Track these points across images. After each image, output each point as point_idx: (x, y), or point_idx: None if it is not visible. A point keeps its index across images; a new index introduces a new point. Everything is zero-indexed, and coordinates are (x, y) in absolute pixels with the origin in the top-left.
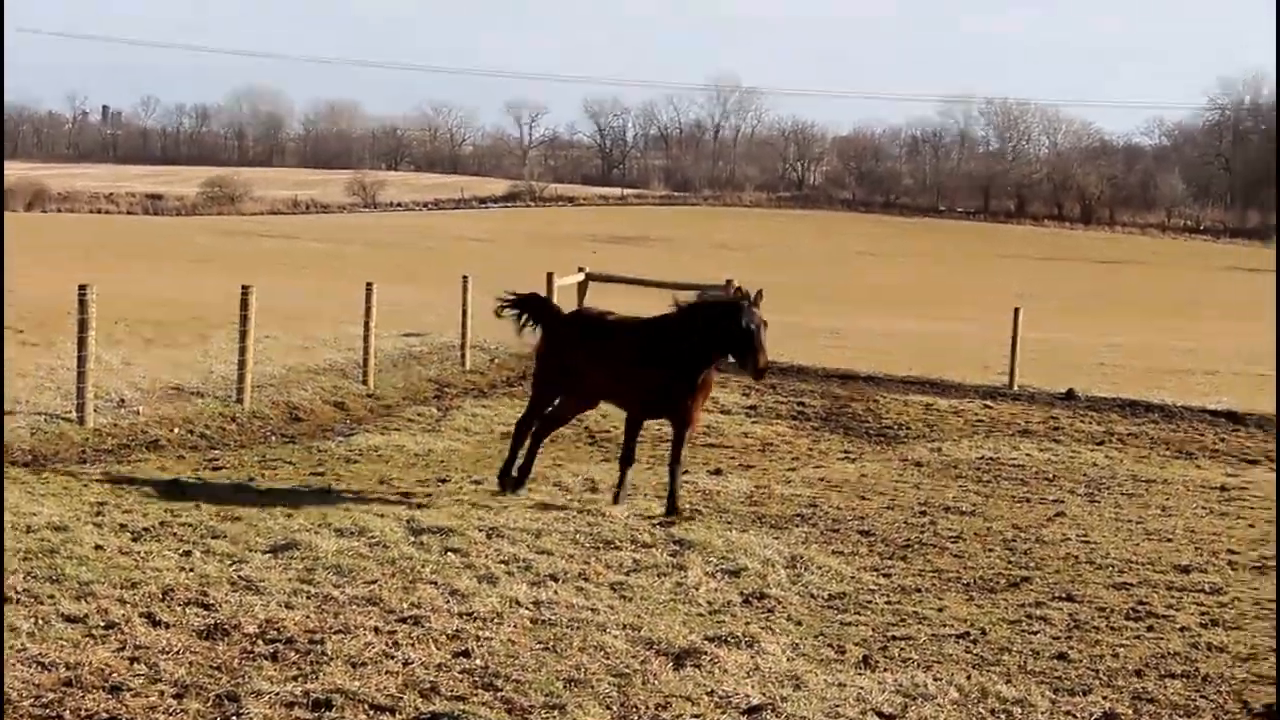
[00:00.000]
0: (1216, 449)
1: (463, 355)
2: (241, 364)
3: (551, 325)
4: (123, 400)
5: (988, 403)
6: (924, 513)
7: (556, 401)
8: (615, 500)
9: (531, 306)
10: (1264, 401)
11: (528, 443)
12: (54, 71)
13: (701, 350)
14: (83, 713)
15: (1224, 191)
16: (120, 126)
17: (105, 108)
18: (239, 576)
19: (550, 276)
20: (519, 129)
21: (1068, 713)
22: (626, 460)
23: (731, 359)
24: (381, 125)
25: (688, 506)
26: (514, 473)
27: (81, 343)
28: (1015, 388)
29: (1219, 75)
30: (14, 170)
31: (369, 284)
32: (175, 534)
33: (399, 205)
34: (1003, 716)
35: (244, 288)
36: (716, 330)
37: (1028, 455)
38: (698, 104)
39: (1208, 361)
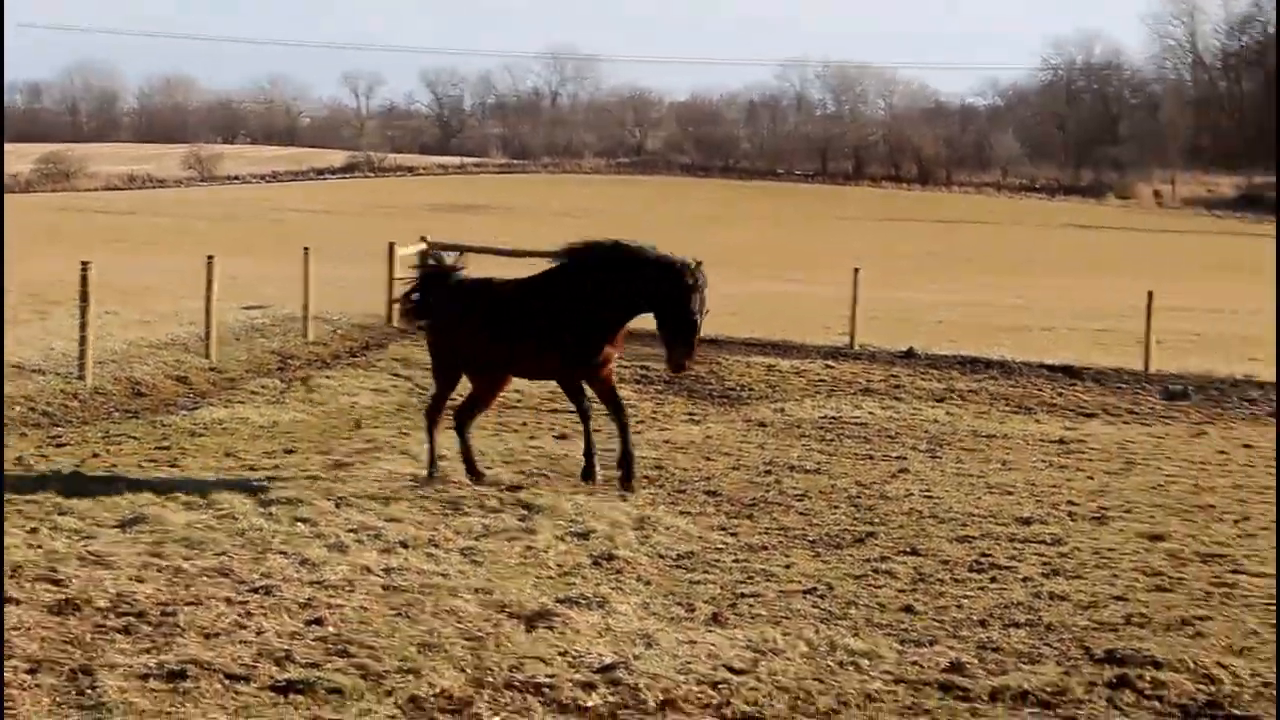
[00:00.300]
0: (1054, 404)
1: (305, 327)
2: (83, 340)
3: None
4: None
5: (829, 363)
6: (769, 472)
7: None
8: (587, 474)
9: (432, 282)
10: (1099, 356)
11: (458, 434)
12: None
13: (618, 304)
14: None
15: (1058, 150)
16: None
17: None
18: (88, 552)
19: (392, 246)
20: (356, 100)
21: (914, 663)
22: (584, 416)
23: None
24: (217, 98)
25: (541, 473)
26: (431, 467)
27: None
28: (856, 347)
29: (1052, 35)
30: None
31: (209, 257)
32: (21, 511)
33: (236, 178)
34: (851, 668)
35: (83, 264)
36: (645, 288)
37: (870, 413)
38: (535, 72)
39: (1044, 318)
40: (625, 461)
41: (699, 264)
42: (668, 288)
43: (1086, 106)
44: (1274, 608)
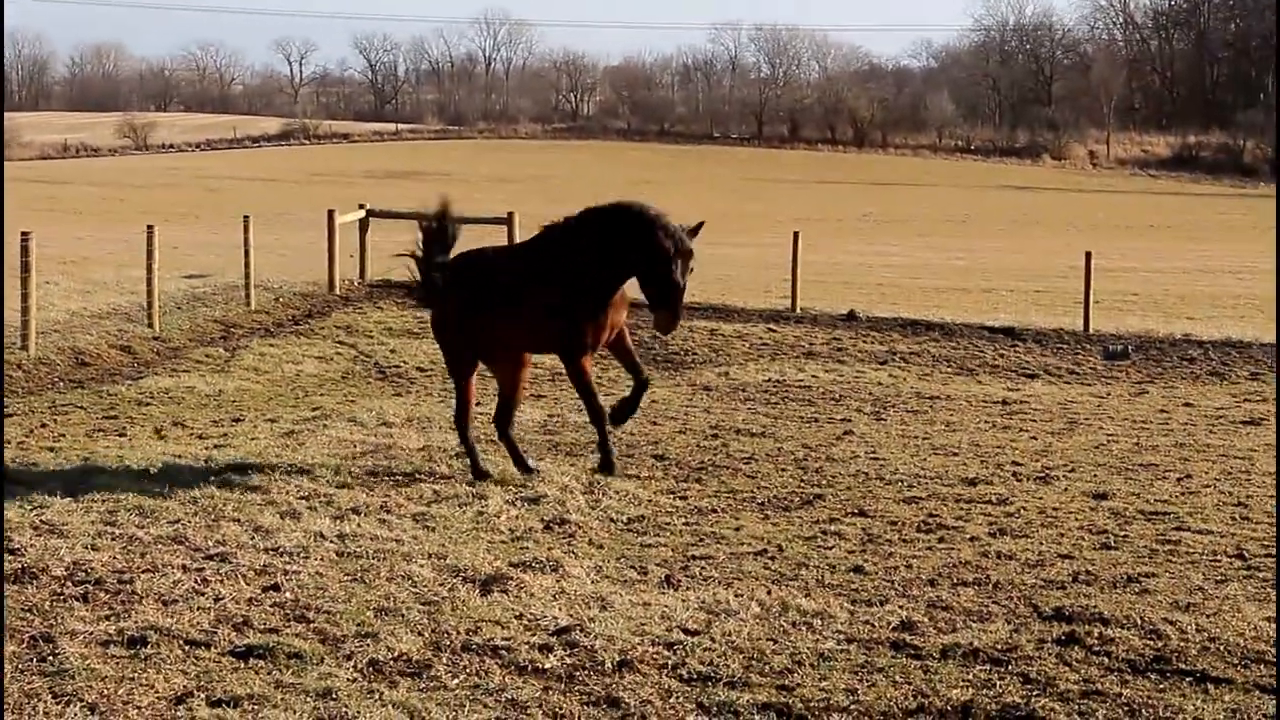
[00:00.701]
0: (996, 364)
1: (247, 295)
2: (25, 310)
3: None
4: None
5: (771, 326)
6: (716, 435)
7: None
8: (604, 465)
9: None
10: (1039, 316)
11: (503, 441)
12: None
13: (598, 270)
14: None
15: (992, 111)
16: None
17: None
18: (41, 521)
19: (331, 214)
20: (289, 67)
21: (866, 622)
22: (597, 418)
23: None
24: (149, 66)
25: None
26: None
27: None
28: (798, 310)
29: None
30: None
31: (150, 227)
32: None
33: (171, 147)
34: (804, 629)
35: (24, 234)
36: (620, 248)
37: (813, 376)
38: (468, 37)
39: (983, 279)
40: (624, 409)
41: (698, 226)
42: (646, 249)
43: (1020, 67)
44: (1219, 564)
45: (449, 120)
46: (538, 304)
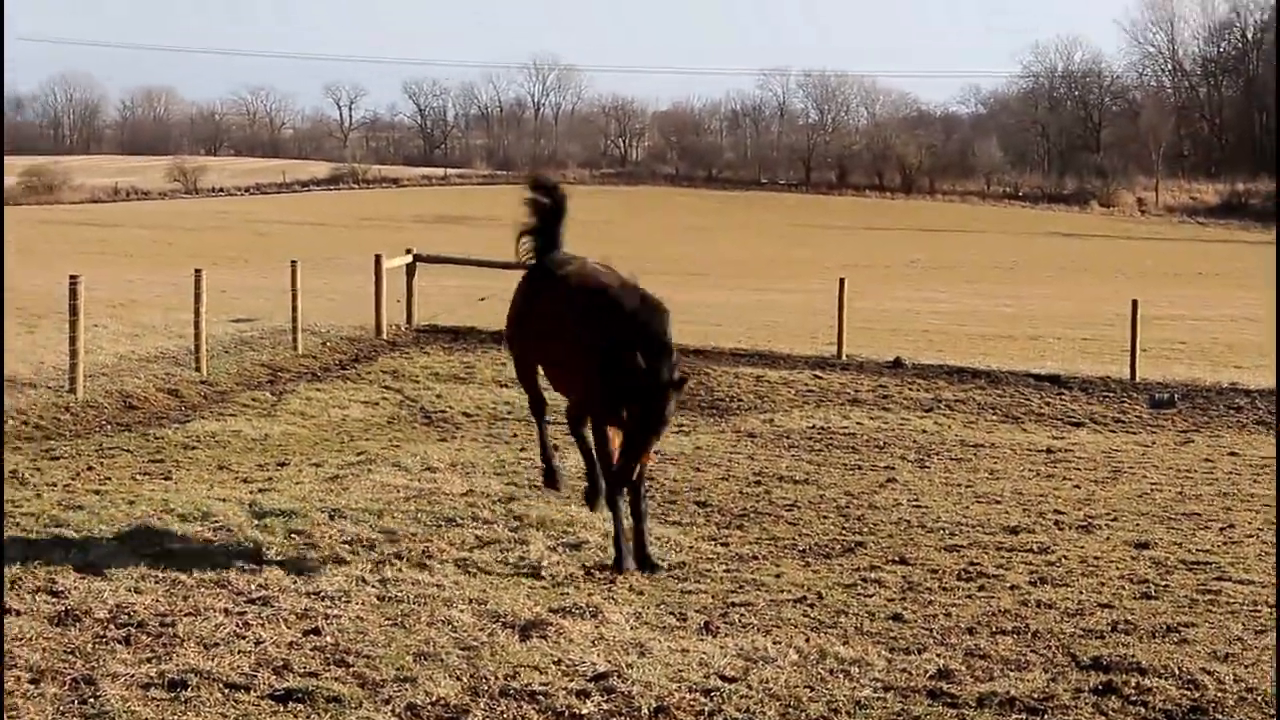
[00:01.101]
0: (1042, 413)
1: (294, 339)
2: (73, 354)
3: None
4: None
5: (817, 373)
6: (758, 482)
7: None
8: (618, 564)
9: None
10: (1086, 364)
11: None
12: None
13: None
14: None
15: (1040, 158)
16: None
17: None
18: (85, 563)
19: (379, 259)
20: (339, 111)
21: (903, 670)
22: (609, 490)
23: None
24: (199, 110)
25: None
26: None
27: None
28: (843, 357)
29: (1032, 42)
30: None
31: (197, 270)
32: (18, 524)
33: (220, 191)
34: (841, 676)
35: (72, 277)
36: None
37: (858, 424)
38: (517, 82)
39: (1030, 326)
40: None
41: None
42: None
43: (1068, 113)
44: (1259, 614)
45: (497, 165)
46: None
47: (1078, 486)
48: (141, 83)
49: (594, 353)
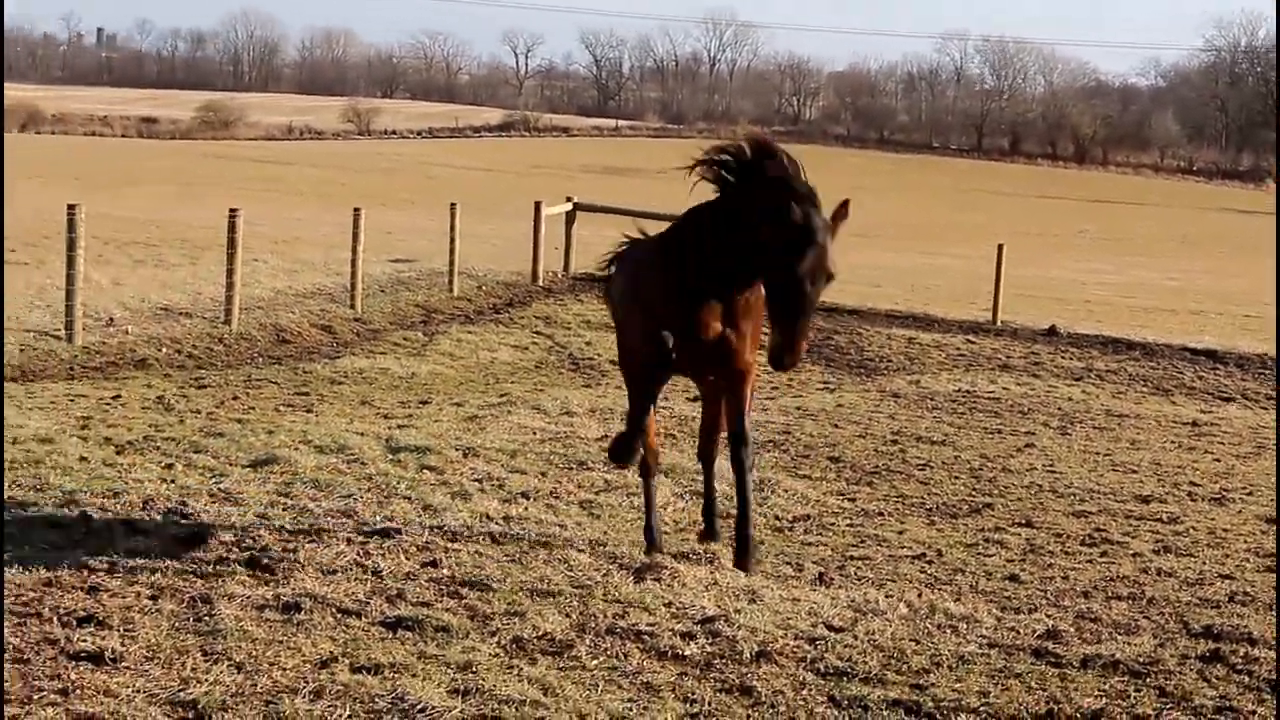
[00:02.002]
0: (1193, 386)
1: (450, 282)
2: (229, 286)
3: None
4: (111, 319)
5: (970, 337)
6: (895, 441)
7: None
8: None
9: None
10: (1245, 341)
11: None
12: None
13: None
14: (61, 610)
15: (1218, 133)
16: (115, 49)
17: (100, 30)
18: (218, 489)
19: (538, 206)
20: (515, 59)
21: (1011, 628)
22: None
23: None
24: (377, 53)
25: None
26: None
27: (70, 262)
28: (999, 323)
29: (1215, 16)
30: (8, 92)
31: (356, 209)
32: (158, 448)
33: (393, 133)
34: (948, 631)
35: (231, 211)
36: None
37: (1004, 389)
38: (694, 37)
39: (1194, 301)
40: (740, 543)
41: (843, 208)
42: (768, 234)
43: (1249, 89)
44: None
45: (670, 118)
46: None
47: (1218, 460)
48: (322, 23)
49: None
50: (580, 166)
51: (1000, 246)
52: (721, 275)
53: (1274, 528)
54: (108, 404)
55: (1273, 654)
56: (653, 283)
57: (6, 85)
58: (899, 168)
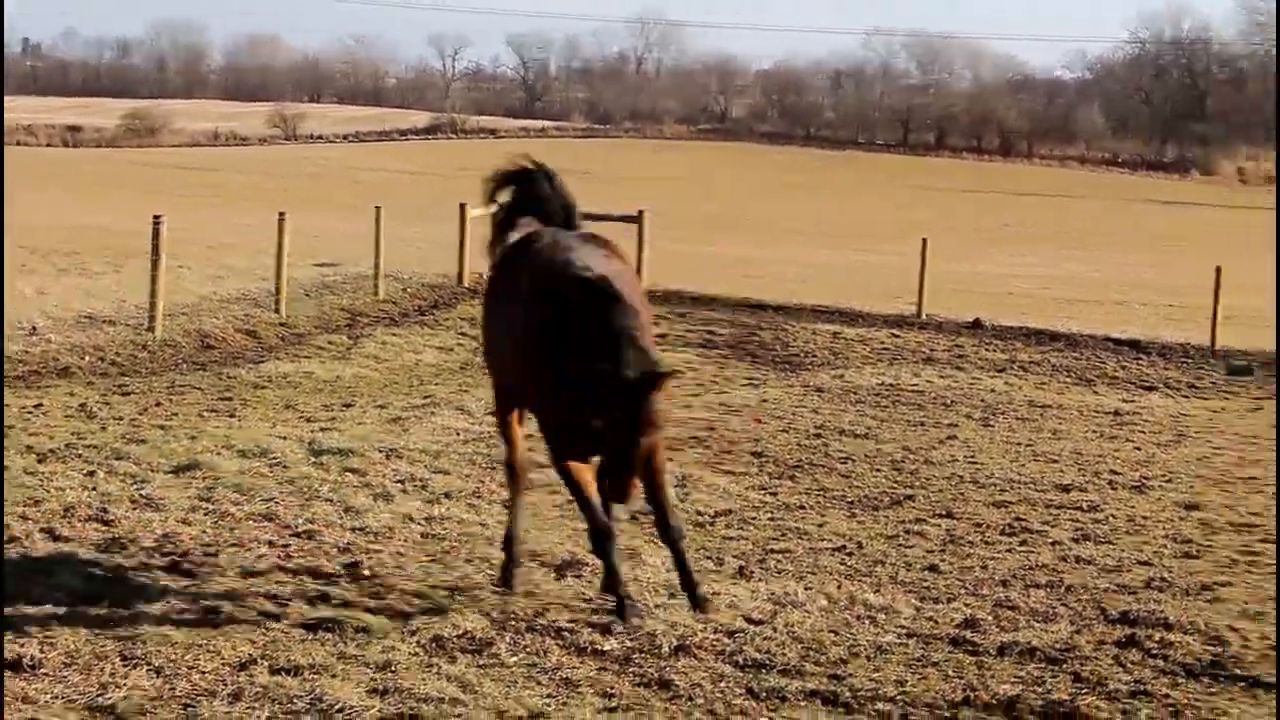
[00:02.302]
0: (1116, 376)
1: (376, 284)
2: (153, 293)
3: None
4: (34, 328)
5: (895, 331)
6: (818, 435)
7: None
8: (620, 612)
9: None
10: (1168, 331)
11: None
12: None
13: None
14: None
15: (1144, 125)
16: (40, 59)
17: (25, 40)
18: (140, 495)
19: (463, 207)
20: (442, 61)
21: (929, 618)
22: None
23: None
24: (304, 58)
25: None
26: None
27: None
28: (923, 317)
29: (1140, 9)
30: None
31: (281, 214)
32: (80, 455)
33: (319, 138)
34: (867, 622)
35: (155, 218)
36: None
37: (928, 382)
38: (621, 37)
39: (1117, 292)
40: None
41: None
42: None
43: (1174, 81)
44: None
45: (597, 119)
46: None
47: (1139, 448)
48: (247, 29)
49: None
50: None
51: (924, 241)
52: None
53: (1192, 514)
54: (29, 412)
55: (1188, 638)
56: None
57: None
58: (825, 164)
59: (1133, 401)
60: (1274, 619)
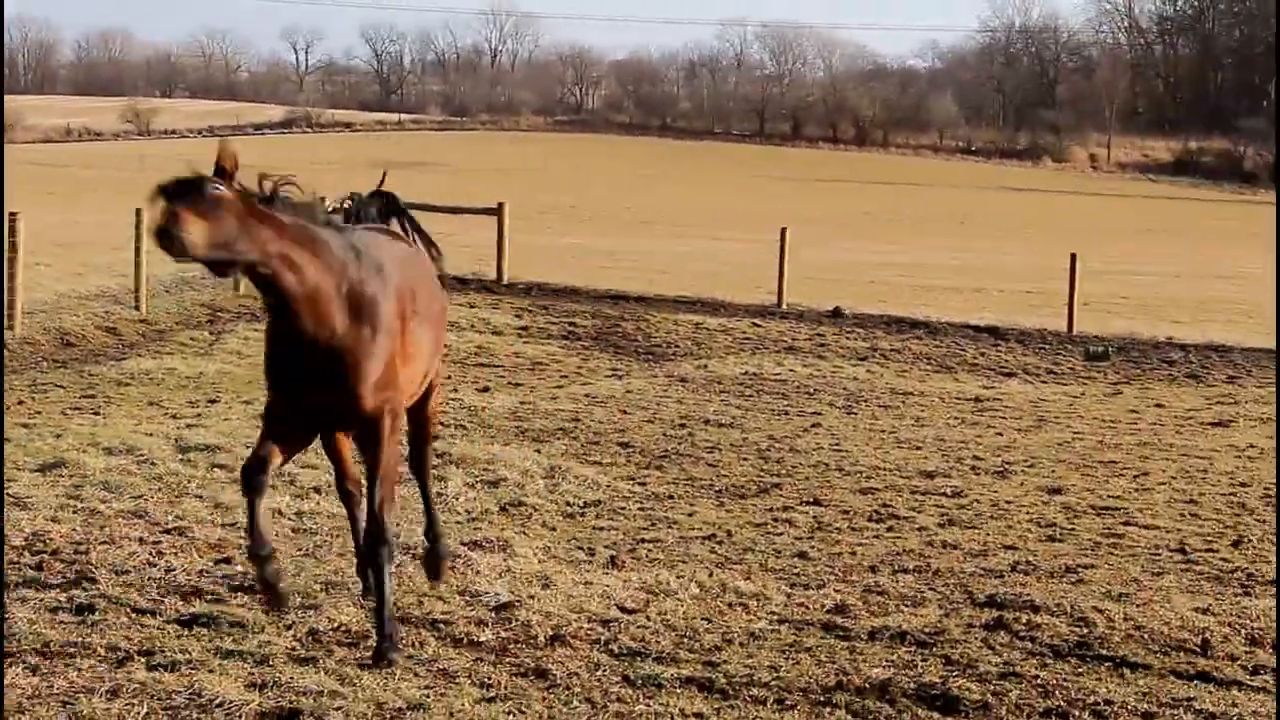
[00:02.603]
0: (976, 363)
1: (236, 280)
2: (10, 290)
3: None
4: None
5: (756, 321)
6: (683, 425)
7: None
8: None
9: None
10: (1025, 317)
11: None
12: None
13: None
14: None
15: (996, 113)
16: None
17: None
18: (6, 494)
19: (321, 200)
20: (295, 55)
21: (800, 604)
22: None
23: None
24: (155, 52)
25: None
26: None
27: None
28: (784, 306)
29: None
30: None
31: (138, 209)
32: None
33: (174, 132)
34: (739, 609)
35: (11, 215)
36: None
37: (791, 371)
38: (474, 29)
39: (975, 279)
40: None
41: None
42: None
43: (1024, 69)
44: (1158, 557)
45: (453, 111)
46: None
47: (1000, 434)
48: (98, 24)
49: None
50: (365, 161)
51: (783, 230)
52: None
53: (1055, 498)
54: None
55: (1055, 619)
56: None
57: None
58: (681, 155)
59: (993, 388)
60: (1138, 601)
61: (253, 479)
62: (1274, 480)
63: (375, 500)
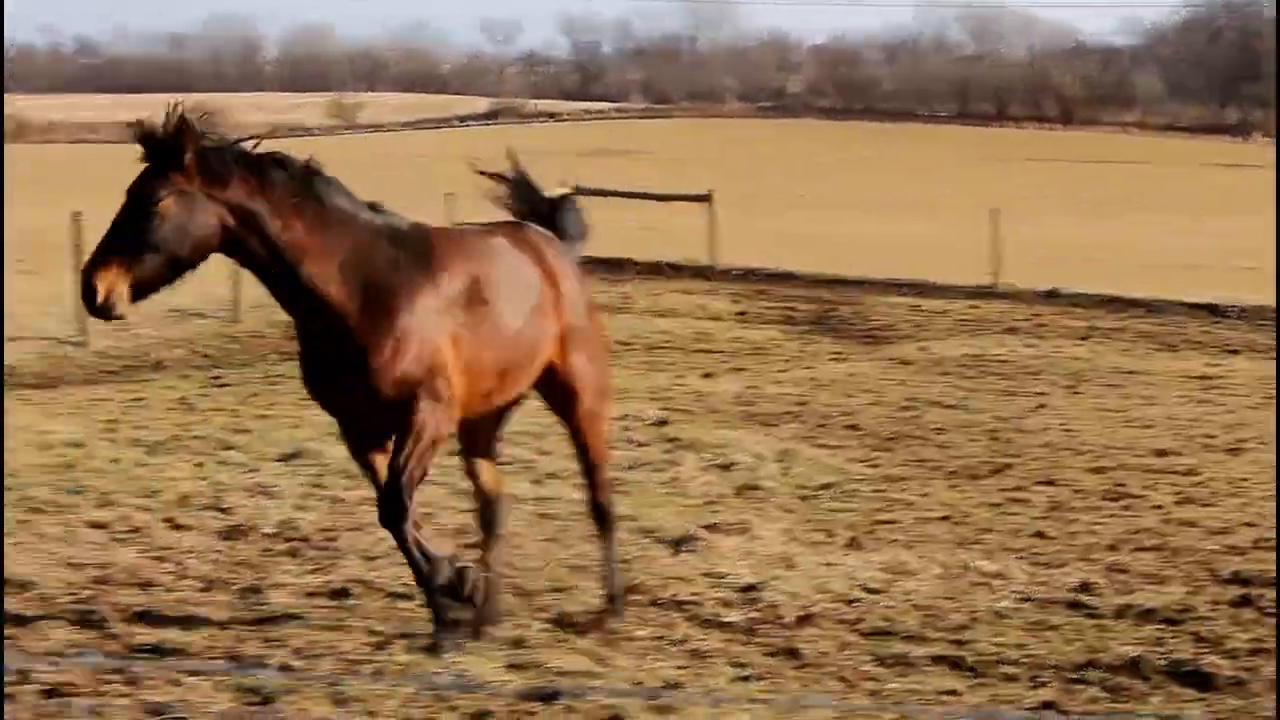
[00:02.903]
0: (1199, 340)
1: None
2: (235, 285)
3: None
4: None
5: (973, 302)
6: (909, 407)
7: None
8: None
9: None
10: (1245, 293)
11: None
12: (24, 4)
13: None
14: (118, 606)
15: (1200, 89)
16: (95, 56)
17: (78, 37)
18: (253, 483)
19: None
20: (495, 47)
21: (1043, 583)
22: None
23: None
24: (357, 47)
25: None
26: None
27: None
28: (1000, 287)
29: None
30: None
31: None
32: (187, 446)
33: (380, 127)
34: (983, 588)
35: None
36: None
37: (1012, 351)
38: (670, 18)
39: (1190, 256)
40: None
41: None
42: None
43: (1229, 44)
44: None
45: (655, 99)
46: None
47: (1231, 412)
48: (297, 20)
49: None
50: (573, 151)
51: (996, 210)
52: None
53: None
54: (131, 406)
55: None
56: None
57: None
58: (884, 138)
59: (1218, 365)
60: None
61: (387, 508)
62: None
63: (396, 465)
